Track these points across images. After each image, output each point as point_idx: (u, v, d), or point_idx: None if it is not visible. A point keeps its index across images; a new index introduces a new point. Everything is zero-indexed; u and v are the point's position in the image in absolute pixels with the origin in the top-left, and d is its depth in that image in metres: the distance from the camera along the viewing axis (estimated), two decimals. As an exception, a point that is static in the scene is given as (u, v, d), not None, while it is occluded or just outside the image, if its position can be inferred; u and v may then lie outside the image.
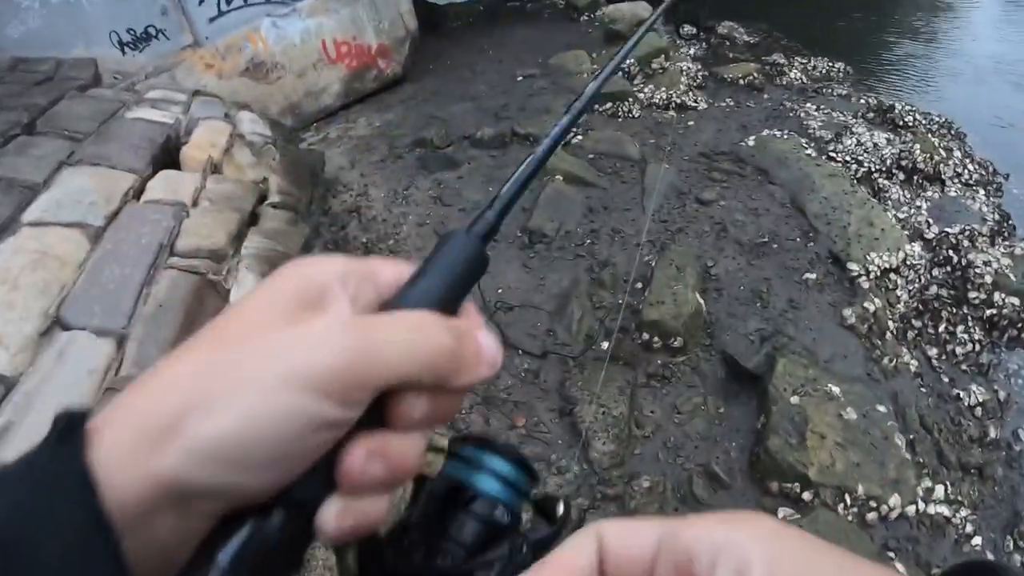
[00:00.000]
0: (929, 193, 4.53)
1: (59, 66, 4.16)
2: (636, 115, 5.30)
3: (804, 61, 6.78)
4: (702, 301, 3.27)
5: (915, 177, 4.58)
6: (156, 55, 4.72)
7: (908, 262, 3.58)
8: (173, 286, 2.18)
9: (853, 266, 3.51)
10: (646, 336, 3.06)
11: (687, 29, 7.48)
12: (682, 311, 3.10)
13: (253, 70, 5.02)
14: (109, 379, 1.91)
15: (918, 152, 4.59)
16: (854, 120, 5.36)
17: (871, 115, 5.52)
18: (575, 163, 4.51)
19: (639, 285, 3.44)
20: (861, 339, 3.26)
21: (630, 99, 5.31)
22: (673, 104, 5.54)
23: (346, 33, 5.40)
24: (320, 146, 5.00)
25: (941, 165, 4.60)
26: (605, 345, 3.02)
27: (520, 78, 5.75)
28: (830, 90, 6.12)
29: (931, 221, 4.20)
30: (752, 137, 4.79)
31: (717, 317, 3.30)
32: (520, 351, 3.07)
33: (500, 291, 3.45)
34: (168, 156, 3.31)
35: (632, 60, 5.87)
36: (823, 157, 4.59)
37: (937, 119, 5.39)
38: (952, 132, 5.34)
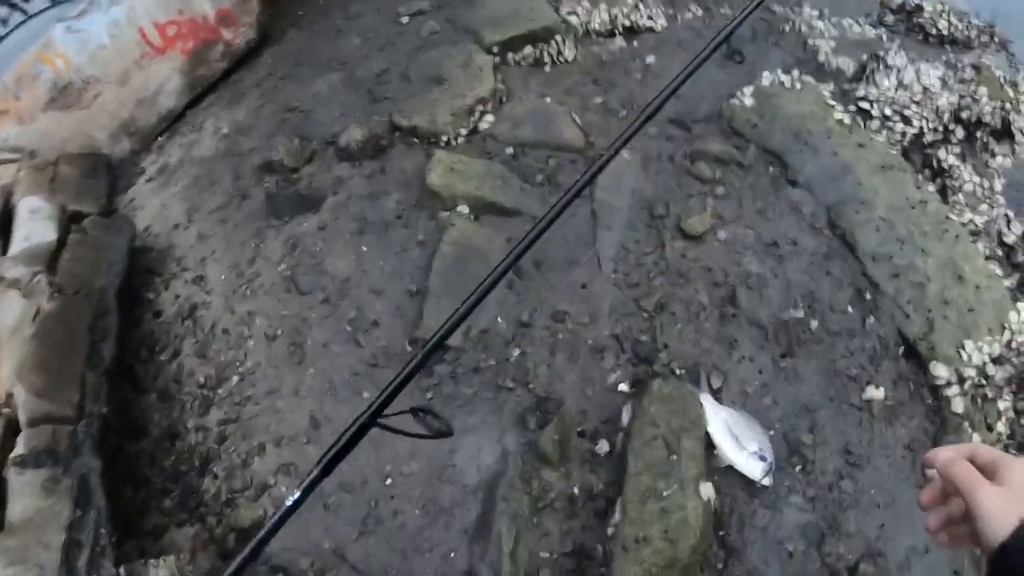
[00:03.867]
0: (999, 161, 3.15)
1: None
2: (570, 57, 3.58)
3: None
4: (713, 496, 1.96)
5: (979, 135, 3.17)
6: (-69, 117, 2.95)
7: (1014, 343, 2.29)
8: None
9: (940, 370, 2.21)
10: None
11: None
12: (680, 549, 1.80)
13: (60, 97, 3.24)
14: None
15: (985, 99, 3.12)
16: (874, 32, 3.78)
17: (891, 20, 3.94)
18: (485, 172, 2.91)
19: (602, 448, 2.10)
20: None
21: (558, 36, 3.55)
22: (620, 27, 3.81)
23: (168, 9, 3.50)
24: (158, 181, 3.23)
25: (1012, 113, 3.17)
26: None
27: (405, 18, 3.84)
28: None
29: (1011, 216, 2.88)
30: (748, 89, 3.21)
31: (732, 505, 2.02)
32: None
33: (388, 480, 2.07)
34: None
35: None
36: (857, 115, 3.07)
37: (978, 24, 3.86)
38: (996, 42, 3.88)
